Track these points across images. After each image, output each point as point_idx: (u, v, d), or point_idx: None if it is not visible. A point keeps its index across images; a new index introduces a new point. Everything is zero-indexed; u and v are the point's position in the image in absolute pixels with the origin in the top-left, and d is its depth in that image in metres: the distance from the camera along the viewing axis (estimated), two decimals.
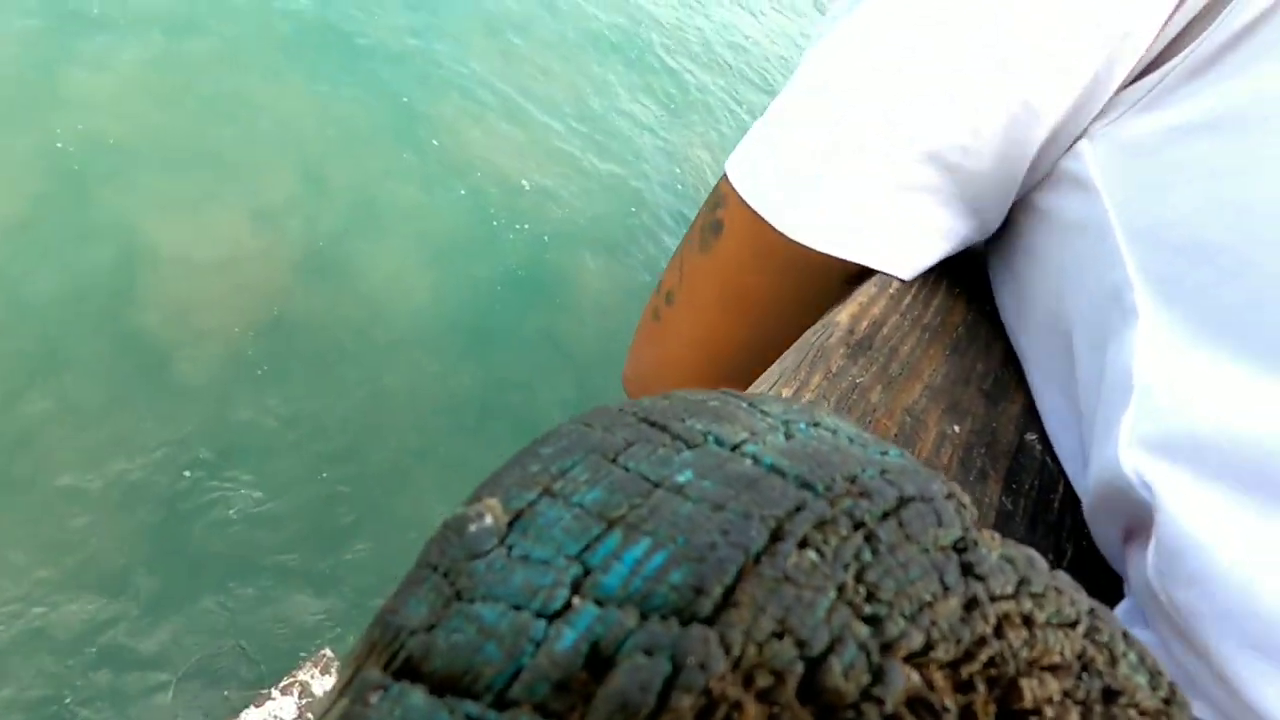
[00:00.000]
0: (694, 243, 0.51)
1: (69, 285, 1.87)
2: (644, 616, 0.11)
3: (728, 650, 0.11)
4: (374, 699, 0.12)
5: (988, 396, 0.48)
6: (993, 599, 0.14)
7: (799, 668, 0.11)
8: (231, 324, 2.03)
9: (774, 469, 0.14)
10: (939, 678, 0.13)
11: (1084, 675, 0.14)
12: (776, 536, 0.12)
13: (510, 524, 0.14)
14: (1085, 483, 0.39)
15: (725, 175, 0.48)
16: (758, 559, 0.12)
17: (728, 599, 0.11)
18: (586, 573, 0.12)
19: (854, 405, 0.40)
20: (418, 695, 0.11)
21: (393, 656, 0.12)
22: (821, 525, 0.13)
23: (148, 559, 1.67)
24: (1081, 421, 0.42)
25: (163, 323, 1.95)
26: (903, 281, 0.49)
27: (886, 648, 0.12)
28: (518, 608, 0.12)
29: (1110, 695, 0.14)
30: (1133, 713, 0.14)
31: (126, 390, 1.82)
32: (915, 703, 0.12)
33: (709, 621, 0.11)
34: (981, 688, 0.13)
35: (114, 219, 2.02)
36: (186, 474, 1.79)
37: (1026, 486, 0.43)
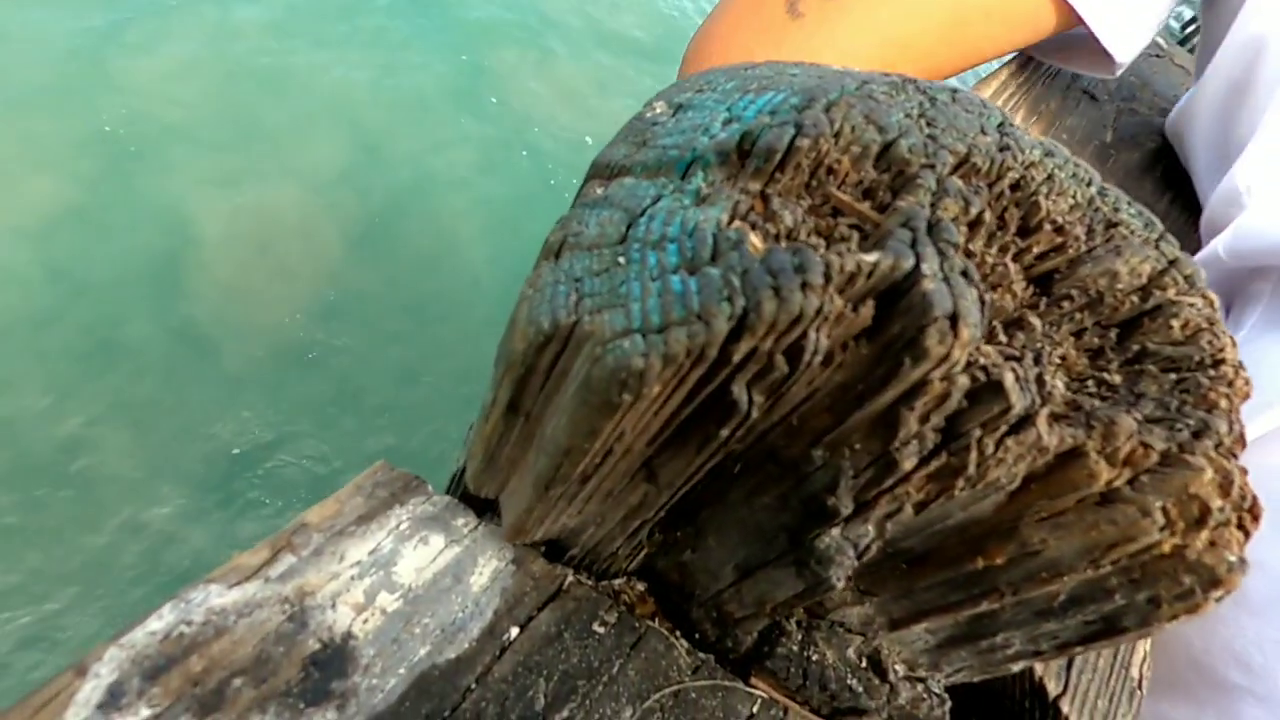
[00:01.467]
0: None
1: (120, 271, 1.84)
2: (773, 115, 0.17)
3: (832, 124, 0.17)
4: (599, 189, 0.18)
5: None
6: (1022, 150, 0.19)
7: (878, 141, 0.17)
8: (283, 306, 1.97)
9: (860, 73, 0.20)
10: (981, 185, 0.18)
11: (1091, 210, 0.19)
12: (862, 83, 0.18)
13: (674, 112, 0.20)
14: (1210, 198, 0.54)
15: None
16: (850, 94, 0.18)
17: (829, 108, 0.17)
18: (732, 117, 0.19)
19: None
20: (629, 179, 0.18)
21: (606, 175, 0.19)
22: (893, 88, 0.19)
23: (202, 546, 1.65)
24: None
25: (214, 307, 1.91)
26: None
27: (937, 143, 0.17)
28: (687, 134, 0.18)
29: (1111, 224, 0.19)
30: (1127, 231, 0.19)
31: (179, 378, 1.78)
32: (959, 190, 0.18)
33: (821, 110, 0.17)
34: (1009, 196, 0.18)
35: (164, 202, 1.98)
36: (237, 452, 1.75)
37: None
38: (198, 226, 2.00)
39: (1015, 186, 0.19)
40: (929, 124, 0.18)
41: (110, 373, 1.72)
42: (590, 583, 0.24)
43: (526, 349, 0.16)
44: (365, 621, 0.20)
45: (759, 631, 0.23)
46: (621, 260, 0.16)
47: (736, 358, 0.14)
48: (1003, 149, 0.19)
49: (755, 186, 0.17)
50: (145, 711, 0.17)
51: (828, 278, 0.14)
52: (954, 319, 0.14)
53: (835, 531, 0.18)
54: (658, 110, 0.20)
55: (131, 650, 0.18)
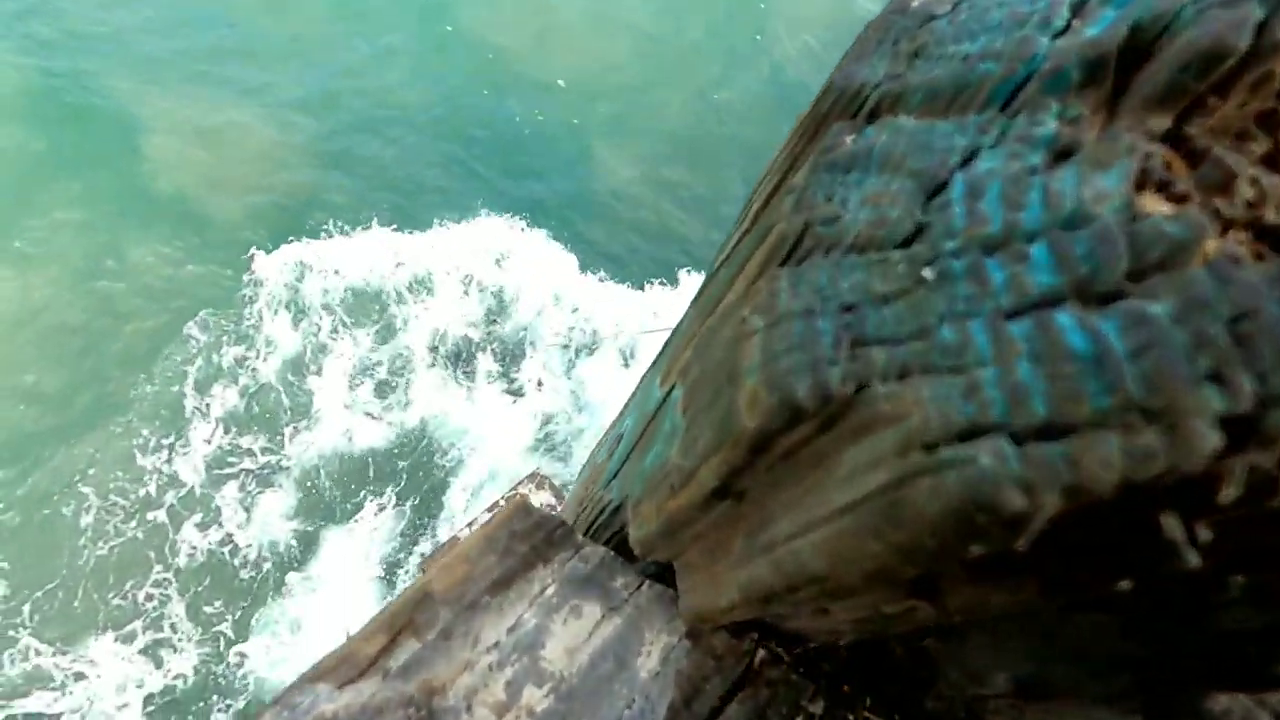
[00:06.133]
0: None
1: None
2: None
3: None
4: (849, 137, 0.11)
5: None
6: None
7: None
8: None
9: None
10: None
11: None
12: None
13: (953, 6, 0.13)
14: None
15: None
16: None
17: None
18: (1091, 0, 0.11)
19: None
20: (905, 118, 0.11)
21: (856, 109, 0.12)
22: None
23: None
24: None
25: None
26: None
27: None
28: (1008, 33, 0.11)
29: None
30: None
31: None
32: None
33: None
34: None
35: None
36: None
37: None
38: None
39: None
40: None
41: None
42: (783, 653, 0.19)
43: (763, 428, 0.09)
44: None
45: None
46: (930, 275, 0.09)
47: (1227, 488, 0.07)
48: None
49: (1162, 123, 0.09)
50: None
51: None
52: None
53: (1244, 695, 0.11)
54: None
55: None
